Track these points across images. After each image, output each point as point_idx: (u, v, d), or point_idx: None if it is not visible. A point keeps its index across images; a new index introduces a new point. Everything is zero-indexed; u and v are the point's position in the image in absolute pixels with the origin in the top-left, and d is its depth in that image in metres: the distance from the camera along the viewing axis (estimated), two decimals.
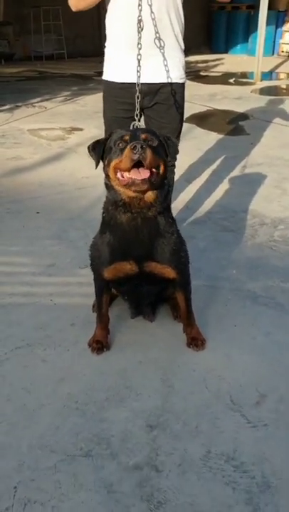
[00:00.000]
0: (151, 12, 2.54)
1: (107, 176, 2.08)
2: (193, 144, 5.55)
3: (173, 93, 2.82)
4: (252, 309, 2.68)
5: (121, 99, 2.82)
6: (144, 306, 2.51)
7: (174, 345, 2.43)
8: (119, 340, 2.46)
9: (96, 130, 5.93)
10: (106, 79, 2.90)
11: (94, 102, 7.78)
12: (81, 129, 6.29)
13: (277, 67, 12.05)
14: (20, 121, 6.73)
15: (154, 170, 1.97)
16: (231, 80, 10.33)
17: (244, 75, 11.00)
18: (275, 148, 5.46)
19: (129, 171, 1.94)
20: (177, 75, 2.81)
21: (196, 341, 2.39)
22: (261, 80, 10.07)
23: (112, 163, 2.00)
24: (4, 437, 1.94)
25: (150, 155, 1.90)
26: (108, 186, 2.10)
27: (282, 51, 14.16)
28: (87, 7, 2.72)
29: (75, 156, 5.26)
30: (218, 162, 5.03)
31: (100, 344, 2.38)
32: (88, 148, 2.17)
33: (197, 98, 8.05)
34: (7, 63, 12.61)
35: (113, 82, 2.84)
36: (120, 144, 1.99)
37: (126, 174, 1.97)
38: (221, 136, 6.04)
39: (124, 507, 1.68)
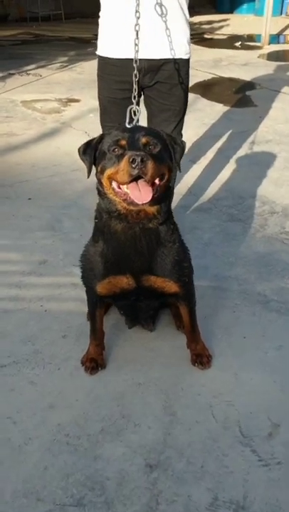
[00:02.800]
0: None
1: (99, 182, 1.80)
2: (198, 117, 5.20)
3: (177, 70, 2.49)
4: (263, 317, 2.43)
5: (118, 77, 2.50)
6: (142, 318, 2.27)
7: (177, 361, 2.18)
8: (115, 356, 2.22)
9: (94, 101, 5.46)
10: (100, 54, 2.57)
11: (92, 69, 7.25)
12: (78, 101, 5.91)
13: (285, 28, 11.46)
14: (13, 91, 6.33)
15: (156, 182, 1.71)
16: (237, 44, 9.83)
17: (251, 37, 10.49)
18: (285, 122, 5.11)
19: (126, 184, 1.67)
20: (182, 50, 2.48)
21: (201, 358, 2.15)
22: (269, 44, 9.57)
23: (107, 172, 1.73)
24: None
25: (152, 167, 1.62)
26: (101, 193, 1.83)
27: None
28: None
29: (70, 132, 4.91)
30: (224, 138, 4.70)
31: (94, 363, 2.14)
32: (79, 151, 1.88)
33: (201, 64, 7.62)
34: (1, 25, 12.02)
35: (108, 58, 2.51)
36: (116, 150, 1.71)
37: (123, 187, 1.70)
38: (227, 107, 5.68)
39: None
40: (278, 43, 10.14)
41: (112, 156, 1.71)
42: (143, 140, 1.71)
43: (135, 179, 1.64)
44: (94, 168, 1.84)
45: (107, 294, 1.99)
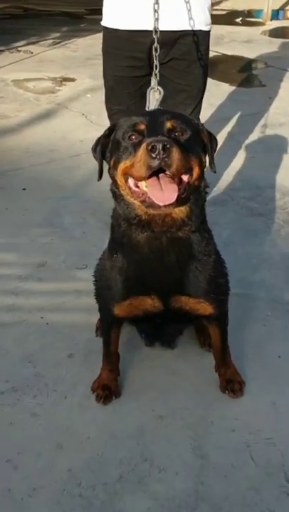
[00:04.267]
0: None
1: (113, 180, 1.48)
2: (204, 98, 4.82)
3: (196, 44, 2.14)
4: None
5: (127, 52, 2.16)
6: (164, 339, 1.96)
7: (204, 387, 1.87)
8: (131, 381, 1.90)
9: (90, 81, 5.18)
10: (107, 25, 2.20)
11: (86, 46, 6.94)
12: (73, 80, 5.50)
13: (286, 4, 10.99)
14: (4, 69, 5.88)
15: (184, 178, 1.37)
16: (238, 20, 9.39)
17: (251, 13, 10.01)
18: None
19: (145, 180, 1.33)
20: (202, 20, 2.14)
21: (232, 385, 1.83)
22: (271, 20, 9.14)
23: (121, 166, 1.40)
24: None
25: (178, 158, 1.28)
26: (116, 195, 1.50)
27: None
28: None
29: (66, 114, 4.52)
30: (233, 121, 4.34)
31: (108, 390, 1.82)
32: (92, 148, 1.58)
33: None
34: None
35: (117, 30, 2.15)
36: (133, 137, 1.38)
37: (142, 185, 1.36)
38: (233, 87, 5.31)
39: None
40: (281, 18, 9.69)
41: (128, 146, 1.39)
42: (168, 124, 1.37)
43: (156, 174, 1.31)
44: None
45: (127, 316, 1.68)
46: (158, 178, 1.32)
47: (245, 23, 9.14)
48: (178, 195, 1.34)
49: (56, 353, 2.01)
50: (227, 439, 1.68)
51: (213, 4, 8.79)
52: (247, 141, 3.93)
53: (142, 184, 1.36)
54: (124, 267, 1.58)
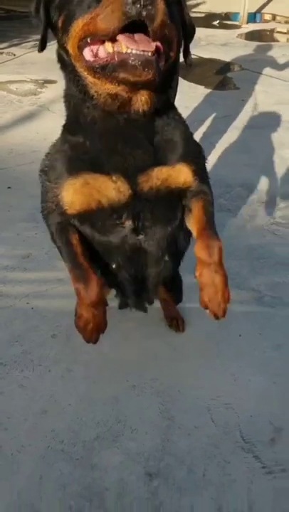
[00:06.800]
0: None
1: (62, 47, 1.19)
2: (179, 100, 5.03)
3: None
4: (258, 313, 2.37)
5: None
6: (141, 286, 1.63)
7: (173, 359, 2.11)
8: (108, 356, 2.13)
9: None
10: None
11: None
12: (54, 82, 5.69)
13: (263, 7, 11.29)
14: None
15: (159, 45, 1.08)
16: (215, 23, 9.65)
17: (228, 16, 10.29)
18: (268, 105, 5.01)
19: (113, 37, 1.04)
20: None
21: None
22: (247, 23, 9.42)
23: (75, 26, 1.09)
24: None
25: (164, 11, 1.01)
26: (66, 65, 1.21)
27: None
28: None
29: (48, 115, 4.73)
30: (207, 123, 4.59)
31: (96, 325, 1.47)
32: (32, 11, 1.27)
33: None
34: None
35: None
36: None
37: (106, 46, 1.06)
38: (208, 90, 5.55)
39: None
40: (256, 21, 9.98)
41: None
42: None
43: (127, 31, 1.02)
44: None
45: (83, 209, 1.32)
46: (132, 35, 1.04)
47: (222, 26, 9.40)
48: (155, 61, 1.06)
49: (41, 334, 2.23)
50: (191, 404, 1.92)
51: (191, 7, 9.02)
52: (219, 142, 4.18)
53: (108, 46, 1.06)
54: (80, 141, 1.30)
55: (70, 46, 1.12)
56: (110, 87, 1.12)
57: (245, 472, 1.70)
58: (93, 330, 1.44)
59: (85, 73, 1.14)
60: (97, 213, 1.33)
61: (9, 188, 3.43)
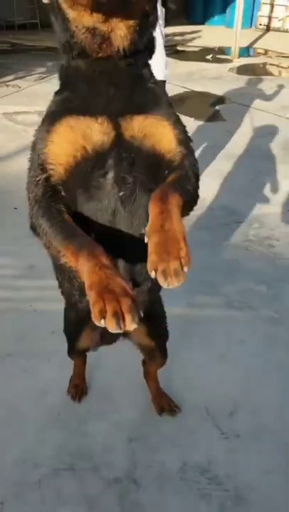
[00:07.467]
0: None
1: None
2: None
3: None
4: (228, 315, 2.78)
5: None
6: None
7: None
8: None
9: None
10: None
11: None
12: None
13: (254, 42, 11.97)
14: None
15: None
16: (209, 57, 10.25)
17: (222, 50, 10.91)
18: (252, 137, 5.50)
19: None
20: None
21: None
22: (239, 57, 10.01)
23: None
24: None
25: None
26: (56, 14, 1.22)
27: (260, 24, 14.04)
28: None
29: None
30: (196, 153, 5.04)
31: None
32: None
33: (175, 77, 7.95)
34: None
35: None
36: None
37: None
38: (198, 122, 6.04)
39: None
40: (248, 55, 10.59)
41: None
42: None
43: None
44: None
45: (68, 158, 1.24)
46: None
47: (215, 60, 9.99)
48: None
49: (42, 331, 2.64)
50: (166, 386, 2.31)
51: (187, 41, 9.59)
52: (204, 169, 4.63)
53: None
54: (66, 96, 1.29)
55: None
56: (88, 19, 1.15)
57: (207, 438, 2.10)
58: (120, 294, 0.99)
59: (69, 10, 1.16)
60: (82, 166, 1.25)
61: (15, 208, 3.88)
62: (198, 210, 3.86)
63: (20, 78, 7.96)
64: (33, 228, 1.36)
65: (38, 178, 1.28)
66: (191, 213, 3.68)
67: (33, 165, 1.31)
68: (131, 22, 1.16)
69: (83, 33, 1.17)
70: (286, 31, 13.21)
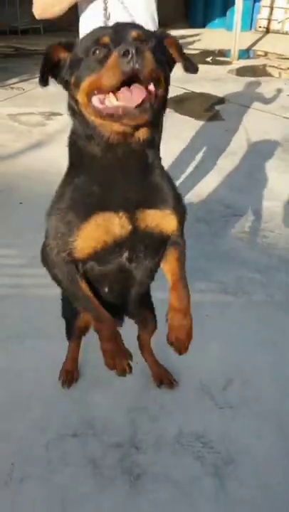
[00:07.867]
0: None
1: (73, 99, 1.42)
2: (172, 132, 5.72)
3: None
4: (223, 300, 2.95)
5: None
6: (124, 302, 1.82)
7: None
8: None
9: None
10: None
11: None
12: (60, 114, 6.38)
13: (254, 44, 12.14)
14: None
15: (151, 88, 1.32)
16: (209, 59, 10.42)
17: (222, 52, 11.07)
18: (249, 136, 5.66)
19: (114, 91, 1.29)
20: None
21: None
22: (238, 59, 10.18)
23: (85, 83, 1.34)
24: (2, 423, 2.19)
25: (151, 60, 1.25)
26: (75, 114, 1.43)
27: (260, 26, 14.20)
28: (57, 14, 2.51)
29: (56, 143, 5.38)
30: (194, 150, 5.23)
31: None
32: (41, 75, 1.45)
33: (174, 79, 8.05)
34: None
35: None
36: (97, 52, 1.32)
37: (111, 98, 1.31)
38: (197, 122, 6.20)
39: (107, 479, 1.96)
40: (248, 57, 10.75)
41: (91, 61, 1.33)
42: (133, 34, 1.33)
43: (124, 84, 1.27)
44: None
45: (91, 250, 1.48)
46: (128, 88, 1.28)
47: (215, 62, 10.16)
48: (148, 99, 1.29)
49: (49, 314, 2.79)
50: (165, 363, 2.48)
51: (187, 44, 9.74)
52: (203, 167, 4.81)
53: (111, 98, 1.30)
54: (83, 181, 1.47)
55: (81, 97, 1.36)
56: (117, 127, 1.35)
57: (203, 409, 2.27)
58: (122, 358, 1.67)
59: (93, 117, 1.36)
60: (101, 253, 1.50)
61: (21, 203, 4.05)
62: (197, 204, 4.06)
63: (24, 81, 8.15)
64: (59, 280, 1.73)
65: (62, 255, 1.52)
66: (191, 207, 3.89)
67: (58, 236, 1.52)
68: (153, 119, 1.37)
69: (111, 134, 1.37)
70: (286, 33, 13.37)
